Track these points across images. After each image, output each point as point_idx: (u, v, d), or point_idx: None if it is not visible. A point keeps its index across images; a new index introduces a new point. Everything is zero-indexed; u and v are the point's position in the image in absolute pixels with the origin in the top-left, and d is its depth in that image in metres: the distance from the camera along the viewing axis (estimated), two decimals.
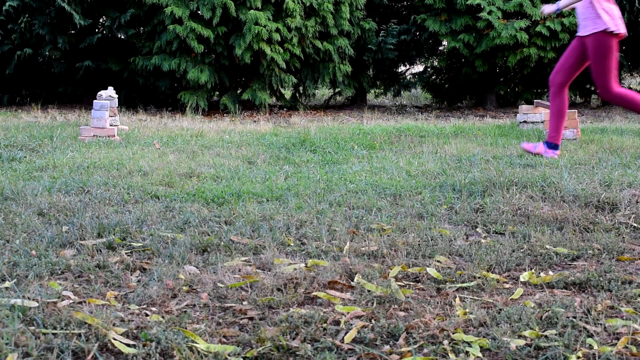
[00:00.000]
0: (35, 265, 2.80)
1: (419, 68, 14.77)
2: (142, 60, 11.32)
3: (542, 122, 7.54)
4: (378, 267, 2.86)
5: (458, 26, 11.62)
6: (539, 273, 2.86)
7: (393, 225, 3.51)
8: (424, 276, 2.80)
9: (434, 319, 2.34)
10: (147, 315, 2.37)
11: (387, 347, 2.15)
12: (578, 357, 2.06)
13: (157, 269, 2.79)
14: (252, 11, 10.79)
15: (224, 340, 2.19)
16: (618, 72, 11.90)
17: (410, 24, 12.46)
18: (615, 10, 5.15)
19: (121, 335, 2.17)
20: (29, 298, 2.42)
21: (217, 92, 12.49)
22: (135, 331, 2.21)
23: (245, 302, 2.49)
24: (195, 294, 2.59)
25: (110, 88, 7.54)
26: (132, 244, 3.17)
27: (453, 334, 2.22)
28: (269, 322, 2.32)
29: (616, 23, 5.06)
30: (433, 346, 2.15)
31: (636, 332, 2.22)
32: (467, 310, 2.41)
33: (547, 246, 3.17)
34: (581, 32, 5.16)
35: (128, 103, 11.79)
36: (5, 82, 11.82)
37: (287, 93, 13.28)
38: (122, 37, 12.03)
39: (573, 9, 6.29)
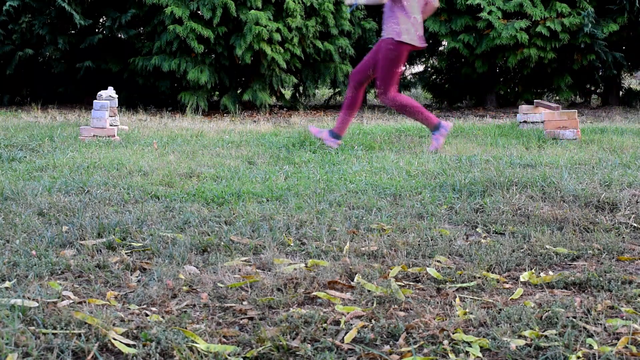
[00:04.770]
0: (35, 265, 2.80)
1: (419, 68, 14.77)
2: (142, 60, 11.30)
3: (542, 122, 7.54)
4: (378, 267, 2.86)
5: (458, 26, 11.61)
6: (539, 273, 2.86)
7: (393, 225, 3.51)
8: (424, 276, 2.80)
9: (434, 319, 2.34)
10: (147, 315, 2.37)
11: (387, 347, 2.15)
12: (578, 357, 2.06)
13: (157, 269, 2.79)
14: (252, 11, 10.79)
15: (224, 340, 2.19)
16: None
17: None
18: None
19: (121, 335, 2.17)
20: (29, 298, 2.42)
21: (217, 93, 12.48)
22: (135, 331, 2.21)
23: (245, 302, 2.49)
24: (195, 294, 2.59)
25: (110, 88, 7.54)
26: (132, 244, 3.17)
27: (453, 334, 2.22)
28: (269, 322, 2.33)
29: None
30: (433, 346, 2.15)
31: (636, 332, 2.23)
32: (467, 310, 2.41)
33: (547, 246, 3.17)
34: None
35: (128, 103, 11.78)
36: (5, 82, 11.82)
37: (287, 93, 13.27)
38: (123, 37, 12.00)
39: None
